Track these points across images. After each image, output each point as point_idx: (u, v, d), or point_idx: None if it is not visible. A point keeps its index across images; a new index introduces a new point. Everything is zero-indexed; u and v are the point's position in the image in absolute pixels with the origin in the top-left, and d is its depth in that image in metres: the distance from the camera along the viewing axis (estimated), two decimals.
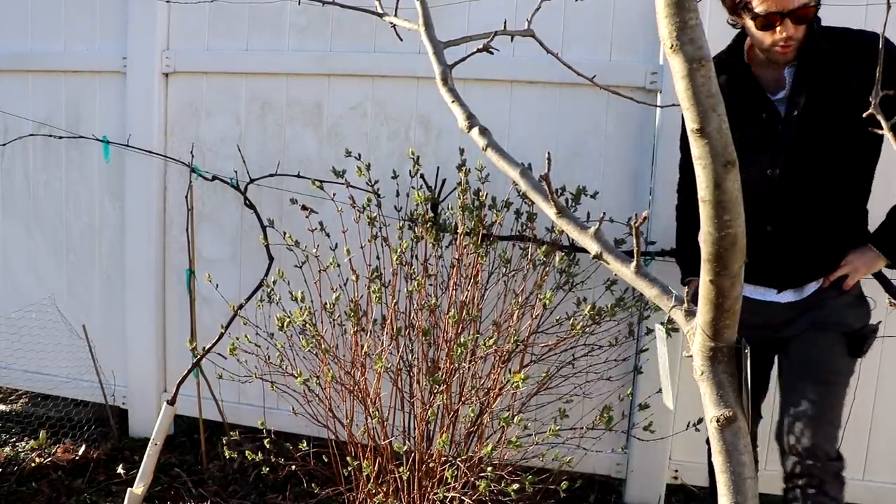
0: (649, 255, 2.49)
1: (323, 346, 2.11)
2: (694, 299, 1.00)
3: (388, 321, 2.12)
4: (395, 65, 2.70)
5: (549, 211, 1.11)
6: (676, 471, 2.67)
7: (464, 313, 2.10)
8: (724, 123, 0.84)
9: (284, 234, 2.32)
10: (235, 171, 2.87)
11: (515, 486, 1.88)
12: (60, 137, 3.07)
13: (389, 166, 2.64)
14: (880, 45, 0.97)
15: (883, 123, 0.84)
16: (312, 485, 2.28)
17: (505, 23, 1.54)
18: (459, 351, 1.99)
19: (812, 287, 1.92)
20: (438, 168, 2.59)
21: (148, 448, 2.43)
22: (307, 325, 2.12)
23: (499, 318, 2.15)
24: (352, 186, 2.37)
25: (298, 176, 2.74)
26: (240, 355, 2.17)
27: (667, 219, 2.48)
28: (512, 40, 1.61)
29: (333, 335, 2.16)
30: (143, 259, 3.01)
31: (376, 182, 2.39)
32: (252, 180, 2.83)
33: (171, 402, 2.46)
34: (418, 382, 2.15)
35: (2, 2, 3.15)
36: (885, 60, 1.65)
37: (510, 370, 2.05)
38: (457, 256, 2.17)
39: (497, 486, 1.91)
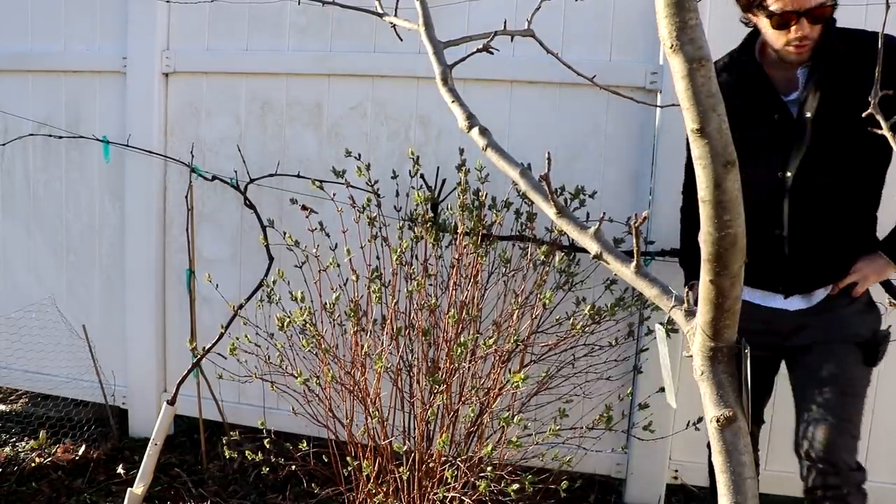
0: (649, 255, 2.49)
1: (323, 346, 2.11)
2: (696, 303, 1.00)
3: (388, 321, 2.12)
4: (395, 65, 2.70)
5: (549, 211, 1.11)
6: (676, 471, 2.67)
7: (464, 313, 2.10)
8: (724, 123, 0.84)
9: (284, 234, 2.32)
10: (235, 171, 2.87)
11: (515, 486, 1.88)
12: (60, 137, 3.07)
13: (389, 166, 2.64)
14: (880, 45, 0.97)
15: (883, 123, 0.84)
16: (312, 485, 2.28)
17: (505, 23, 1.54)
18: (459, 351, 1.99)
19: (820, 294, 1.89)
20: (438, 168, 2.59)
21: (148, 448, 2.43)
22: (307, 325, 2.12)
23: (499, 318, 2.15)
24: (352, 186, 2.37)
25: (298, 176, 2.74)
26: (240, 355, 2.17)
27: (667, 219, 2.48)
28: (512, 40, 1.61)
29: (333, 335, 2.16)
30: (143, 259, 3.01)
31: (376, 182, 2.39)
32: (252, 180, 2.83)
33: (171, 402, 2.46)
34: (418, 382, 2.15)
35: (2, 2, 3.15)
36: (887, 60, 1.65)
37: (510, 370, 2.04)
38: (457, 256, 2.17)
39: (497, 486, 1.91)
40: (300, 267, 2.29)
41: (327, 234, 2.38)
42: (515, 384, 1.86)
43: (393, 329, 2.09)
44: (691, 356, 1.03)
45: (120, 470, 2.85)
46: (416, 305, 2.17)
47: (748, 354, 1.04)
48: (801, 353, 1.90)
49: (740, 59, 1.90)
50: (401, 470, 2.03)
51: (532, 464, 2.11)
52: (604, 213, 1.23)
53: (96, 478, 2.80)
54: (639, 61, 2.53)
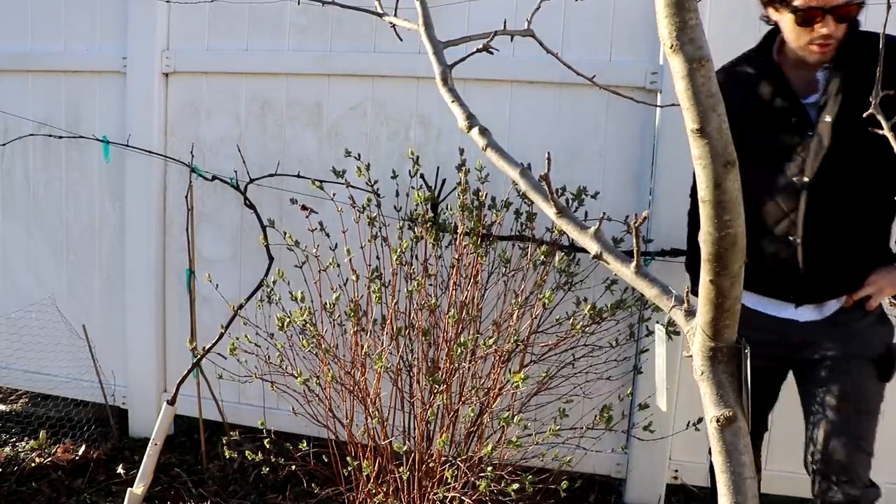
0: (649, 255, 2.49)
1: (323, 346, 2.11)
2: None
3: (388, 321, 2.12)
4: (395, 65, 2.70)
5: (549, 211, 1.11)
6: (676, 471, 2.67)
7: (464, 313, 2.09)
8: (724, 123, 0.84)
9: (284, 234, 2.32)
10: (235, 171, 2.87)
11: (515, 486, 1.88)
12: (60, 137, 3.07)
13: (389, 166, 2.64)
14: (880, 45, 0.97)
15: (883, 123, 0.84)
16: (312, 485, 2.28)
17: (505, 23, 1.54)
18: (459, 351, 1.99)
19: (833, 305, 1.83)
20: (438, 168, 2.59)
21: (148, 448, 2.43)
22: (307, 325, 2.12)
23: (499, 318, 2.15)
24: (352, 186, 2.37)
25: (298, 176, 2.74)
26: (240, 355, 2.17)
27: (667, 219, 2.48)
28: (512, 40, 1.61)
29: (333, 335, 2.16)
30: (143, 259, 3.01)
31: (376, 182, 2.39)
32: (252, 180, 2.83)
33: (171, 402, 2.46)
34: (418, 382, 2.15)
35: (2, 2, 3.15)
36: (890, 60, 1.63)
37: (510, 370, 2.04)
38: (457, 256, 2.17)
39: (497, 486, 1.91)
40: (300, 267, 2.29)
41: (327, 234, 2.38)
42: (515, 384, 1.86)
43: (393, 329, 2.09)
44: (691, 356, 1.03)
45: (120, 470, 2.84)
46: (416, 305, 2.16)
47: (748, 354, 1.04)
48: (812, 367, 1.84)
49: (758, 60, 1.83)
50: (401, 470, 2.03)
51: (532, 464, 2.11)
52: (604, 213, 1.23)
53: (96, 478, 2.80)
54: (639, 61, 2.53)
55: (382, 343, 2.15)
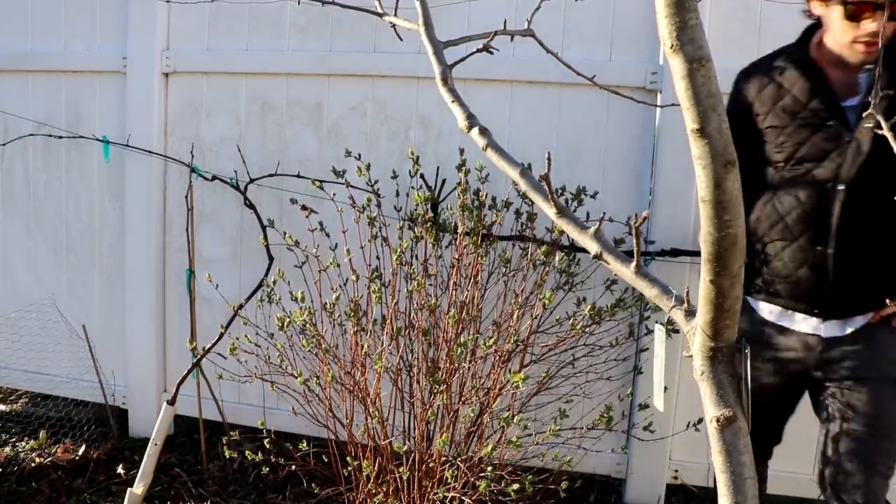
0: (649, 255, 2.49)
1: (323, 346, 2.11)
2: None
3: (388, 321, 2.12)
4: (395, 65, 2.70)
5: (549, 211, 1.11)
6: (676, 471, 2.67)
7: (464, 313, 2.09)
8: (724, 123, 0.84)
9: (284, 234, 2.32)
10: (235, 171, 2.87)
11: (515, 486, 1.88)
12: (60, 137, 3.07)
13: (389, 166, 2.64)
14: (880, 45, 0.97)
15: (883, 123, 0.84)
16: (312, 485, 2.27)
17: (505, 23, 1.54)
18: (459, 351, 1.99)
19: (858, 321, 1.73)
20: (438, 168, 2.59)
21: (148, 448, 2.43)
22: (307, 325, 2.12)
23: (499, 318, 2.15)
24: (352, 186, 2.37)
25: (298, 176, 2.74)
26: (240, 355, 2.17)
27: (667, 219, 2.48)
28: (512, 40, 1.61)
29: (333, 335, 2.16)
30: (143, 259, 3.01)
31: (376, 182, 2.39)
32: (252, 180, 2.83)
33: (171, 402, 2.46)
34: (418, 382, 2.15)
35: (2, 2, 3.15)
36: None
37: (510, 370, 2.04)
38: (457, 256, 2.17)
39: (497, 486, 1.91)
40: (300, 267, 2.29)
41: (327, 234, 2.38)
42: (515, 384, 1.85)
43: (393, 329, 2.09)
44: (691, 356, 1.03)
45: (120, 470, 2.84)
46: (416, 305, 2.16)
47: (748, 355, 1.04)
48: (832, 385, 1.76)
49: (797, 56, 1.73)
50: (401, 470, 2.03)
51: (532, 464, 2.11)
52: (604, 213, 1.23)
53: (96, 478, 2.80)
54: (639, 61, 2.53)
55: (382, 343, 2.15)
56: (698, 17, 0.83)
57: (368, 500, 2.13)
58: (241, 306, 2.48)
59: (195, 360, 2.62)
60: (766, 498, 2.12)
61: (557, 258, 2.26)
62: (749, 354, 1.04)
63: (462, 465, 1.96)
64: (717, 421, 0.99)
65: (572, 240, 2.03)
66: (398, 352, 2.16)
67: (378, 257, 2.26)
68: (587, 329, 2.15)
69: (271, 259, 2.69)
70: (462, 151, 2.32)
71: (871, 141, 1.63)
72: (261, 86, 2.87)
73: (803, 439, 1.98)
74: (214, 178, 2.88)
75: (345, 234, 2.36)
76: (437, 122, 2.71)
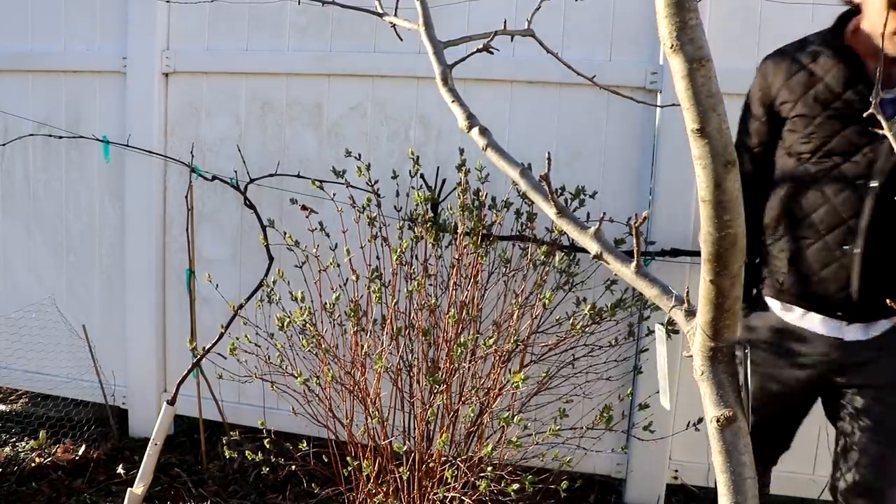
0: (649, 255, 2.49)
1: (323, 346, 2.11)
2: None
3: (388, 321, 2.12)
4: (395, 65, 2.70)
5: (549, 211, 1.11)
6: (676, 471, 2.67)
7: (464, 313, 2.09)
8: (724, 123, 0.84)
9: (284, 234, 2.32)
10: (235, 171, 2.87)
11: (515, 486, 1.87)
12: (60, 137, 3.07)
13: (389, 166, 2.65)
14: (880, 45, 0.97)
15: (883, 123, 0.84)
16: (312, 485, 2.28)
17: (505, 23, 1.54)
18: (459, 351, 1.99)
19: (882, 325, 1.67)
20: (438, 168, 2.59)
21: (148, 448, 2.43)
22: (307, 325, 2.12)
23: (499, 318, 2.15)
24: (352, 186, 2.37)
25: (298, 176, 2.74)
26: (240, 355, 2.17)
27: (667, 219, 2.48)
28: (512, 40, 1.61)
29: (333, 335, 2.16)
30: (143, 259, 3.01)
31: (376, 182, 2.39)
32: (252, 180, 2.83)
33: (171, 402, 2.46)
34: (418, 382, 2.15)
35: (2, 2, 3.15)
36: None
37: (510, 370, 2.04)
38: (457, 256, 2.17)
39: (497, 486, 1.91)
40: (300, 267, 2.29)
41: (327, 234, 2.38)
42: (515, 384, 1.85)
43: (393, 329, 2.09)
44: (691, 356, 1.03)
45: (120, 470, 2.84)
46: (416, 305, 2.16)
47: (748, 355, 1.04)
48: (852, 393, 1.70)
49: (833, 43, 1.63)
50: (401, 470, 2.03)
51: (532, 464, 2.11)
52: (604, 213, 1.23)
53: (96, 478, 2.80)
54: (639, 61, 2.53)
55: (382, 343, 2.15)
56: (698, 17, 0.82)
57: (368, 500, 2.13)
58: (241, 306, 2.48)
59: (195, 360, 2.62)
60: (767, 498, 2.12)
61: (557, 258, 2.26)
62: (749, 355, 1.04)
63: (462, 465, 1.96)
64: (718, 421, 0.99)
65: (572, 240, 2.02)
66: (398, 352, 2.16)
67: (378, 257, 2.26)
68: (587, 329, 2.15)
69: (271, 259, 2.69)
70: (462, 151, 2.32)
71: None
72: (261, 86, 2.87)
73: (803, 440, 1.98)
74: (214, 178, 2.88)
75: (345, 234, 2.36)
76: (437, 122, 2.71)
